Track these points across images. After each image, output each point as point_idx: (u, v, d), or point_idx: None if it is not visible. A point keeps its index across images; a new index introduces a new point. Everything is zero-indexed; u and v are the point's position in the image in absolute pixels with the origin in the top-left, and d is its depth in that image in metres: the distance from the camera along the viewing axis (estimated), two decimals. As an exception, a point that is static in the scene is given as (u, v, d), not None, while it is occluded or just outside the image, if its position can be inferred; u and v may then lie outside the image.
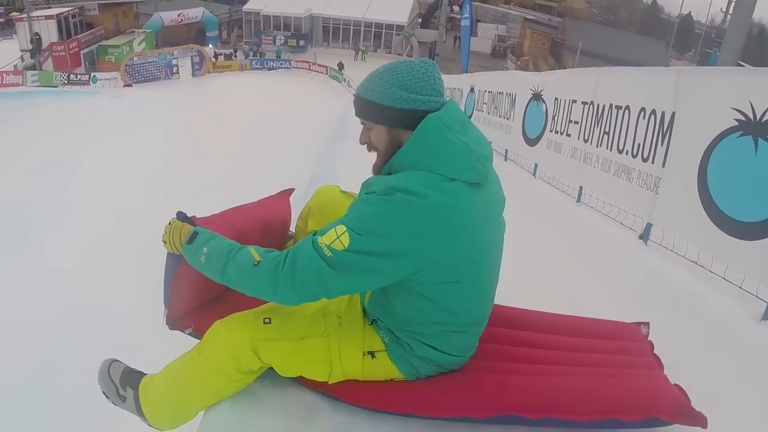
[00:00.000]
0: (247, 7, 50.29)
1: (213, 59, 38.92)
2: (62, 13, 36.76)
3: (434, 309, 1.98)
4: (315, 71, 39.30)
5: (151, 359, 2.57)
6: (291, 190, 3.13)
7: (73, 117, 21.85)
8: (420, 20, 54.47)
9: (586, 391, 2.06)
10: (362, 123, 2.08)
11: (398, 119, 1.97)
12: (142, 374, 2.35)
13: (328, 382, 2.14)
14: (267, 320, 2.11)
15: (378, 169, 2.09)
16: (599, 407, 1.96)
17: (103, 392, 2.36)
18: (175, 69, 35.81)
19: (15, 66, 31.41)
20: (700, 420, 1.93)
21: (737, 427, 2.18)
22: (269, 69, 39.25)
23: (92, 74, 33.03)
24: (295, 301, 1.91)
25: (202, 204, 9.96)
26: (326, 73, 38.58)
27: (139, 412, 2.28)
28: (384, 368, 2.13)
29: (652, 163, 5.12)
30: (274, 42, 46.89)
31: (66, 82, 30.22)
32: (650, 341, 2.54)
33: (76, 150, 17.34)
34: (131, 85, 33.21)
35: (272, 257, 1.91)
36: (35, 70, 31.71)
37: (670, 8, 79.74)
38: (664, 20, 79.49)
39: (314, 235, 1.88)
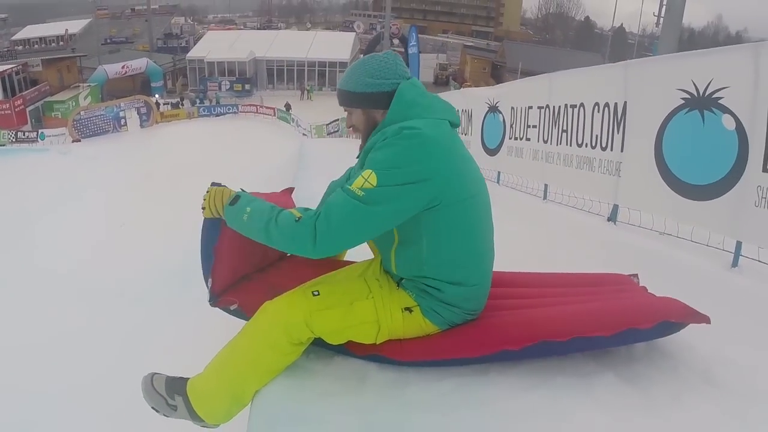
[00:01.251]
0: (190, 55, 50.58)
1: (160, 110, 38.68)
2: (5, 70, 36.49)
3: (455, 233, 2.27)
4: (263, 114, 39.35)
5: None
6: (292, 189, 3.39)
7: (24, 175, 21.52)
8: (362, 56, 55.03)
9: (603, 311, 2.36)
10: (345, 110, 2.51)
11: (368, 101, 2.39)
12: (185, 379, 2.45)
13: (375, 342, 2.34)
14: (315, 293, 2.30)
15: (362, 148, 2.43)
16: (616, 322, 2.20)
17: (153, 407, 2.45)
18: (123, 121, 35.47)
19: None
20: (704, 318, 2.21)
21: (722, 353, 2.42)
22: (217, 115, 39.10)
23: (40, 131, 32.78)
24: (334, 248, 2.16)
25: (167, 251, 10.35)
26: (274, 115, 38.59)
27: (193, 415, 2.38)
28: (419, 323, 2.34)
29: (611, 150, 5.55)
30: (220, 88, 47.06)
31: (14, 140, 29.90)
32: (643, 286, 2.82)
33: (29, 208, 17.08)
34: (80, 140, 32.83)
35: (311, 213, 2.18)
36: (-20, 129, 31.17)
37: (603, 22, 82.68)
38: (597, 34, 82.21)
39: (342, 187, 2.18)
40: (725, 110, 3.99)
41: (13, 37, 59.54)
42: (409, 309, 2.33)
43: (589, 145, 6.00)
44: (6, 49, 53.83)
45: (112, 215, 16.39)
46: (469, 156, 2.39)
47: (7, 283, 11.78)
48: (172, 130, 34.32)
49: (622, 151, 5.38)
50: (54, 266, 12.67)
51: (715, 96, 4.08)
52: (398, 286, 2.39)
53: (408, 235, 2.28)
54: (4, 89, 35.89)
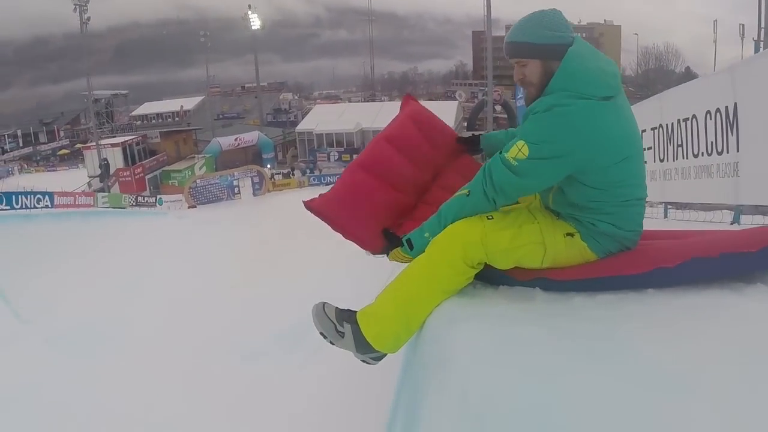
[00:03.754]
0: (299, 127, 51.83)
1: (272, 179, 39.59)
2: (127, 141, 38.90)
3: (603, 189, 2.44)
4: (372, 182, 39.41)
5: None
6: (408, 95, 3.63)
7: (144, 235, 22.17)
8: (465, 124, 55.07)
9: (748, 233, 2.48)
10: (516, 62, 2.55)
11: (549, 52, 2.46)
12: (354, 311, 2.59)
13: (541, 266, 2.52)
14: (490, 217, 2.53)
15: (531, 101, 2.53)
16: (761, 239, 2.26)
17: (321, 333, 2.61)
18: (236, 189, 36.55)
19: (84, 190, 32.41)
20: None
21: None
22: (327, 184, 39.50)
23: (158, 197, 34.23)
24: (503, 203, 2.52)
25: (275, 314, 10.96)
26: (383, 183, 38.61)
27: (359, 343, 2.52)
28: (579, 249, 2.52)
29: (728, 152, 5.76)
30: (329, 158, 47.72)
31: (134, 204, 31.05)
32: None
33: (148, 265, 17.50)
34: (195, 207, 33.93)
35: (475, 183, 2.53)
36: (104, 193, 32.73)
37: (704, 71, 79.67)
38: (699, 83, 79.79)
39: (500, 153, 2.46)
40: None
41: (132, 113, 63.12)
42: (570, 234, 2.52)
43: (705, 153, 6.24)
44: (126, 123, 56.69)
45: (225, 276, 16.59)
46: (624, 122, 2.45)
47: (125, 331, 12.32)
48: (283, 198, 34.95)
49: (738, 150, 5.55)
50: (168, 322, 12.97)
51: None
52: (558, 217, 2.61)
53: (565, 185, 2.49)
54: (125, 158, 38.13)
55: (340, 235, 3.00)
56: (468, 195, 2.52)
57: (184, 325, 12.65)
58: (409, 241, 2.66)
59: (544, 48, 2.46)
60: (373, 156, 3.19)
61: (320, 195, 3.03)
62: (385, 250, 2.83)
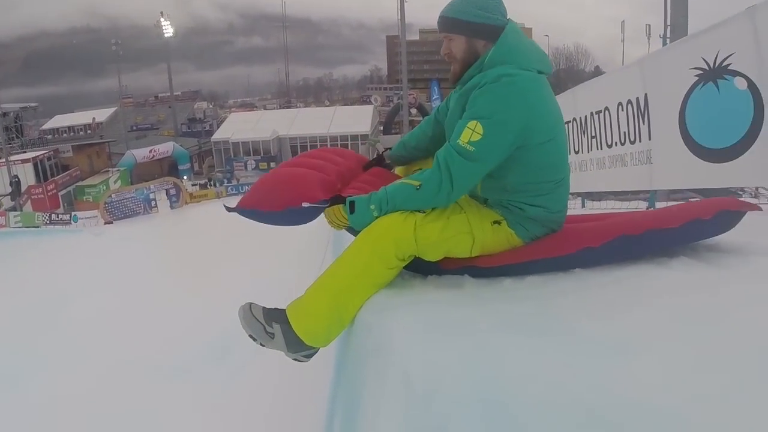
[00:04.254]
0: (215, 137, 51.03)
1: (188, 190, 39.01)
2: (38, 156, 37.71)
3: (538, 169, 2.53)
4: (289, 189, 39.31)
5: None
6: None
7: (60, 255, 21.61)
8: (382, 128, 55.59)
9: (669, 210, 2.73)
10: (444, 37, 2.65)
11: (475, 31, 2.56)
12: (282, 309, 2.57)
13: (470, 254, 2.58)
14: (421, 210, 2.52)
15: (456, 77, 2.68)
16: (682, 215, 2.50)
17: (250, 335, 2.57)
18: (153, 203, 35.59)
19: (-5, 209, 31.57)
20: (756, 207, 2.59)
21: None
22: (245, 193, 39.17)
23: (73, 213, 33.19)
24: (457, 197, 2.52)
25: (201, 327, 10.82)
26: (301, 190, 38.57)
27: (290, 341, 2.50)
28: (506, 236, 2.59)
29: (640, 141, 6.02)
30: (246, 167, 47.40)
31: (48, 222, 30.26)
32: None
33: (65, 286, 17.10)
34: (111, 222, 32.96)
35: (427, 178, 2.47)
36: (16, 211, 31.90)
37: (613, 69, 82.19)
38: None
39: (450, 142, 2.45)
40: (736, 74, 4.39)
41: (43, 127, 61.06)
42: (497, 222, 2.59)
43: (618, 143, 6.49)
44: (37, 138, 55.03)
45: (146, 293, 16.28)
46: (555, 101, 2.61)
47: (47, 363, 11.85)
48: (201, 210, 34.29)
49: (650, 138, 5.80)
50: (91, 344, 12.68)
51: (724, 64, 4.49)
52: (484, 204, 2.66)
53: (500, 167, 2.50)
54: (37, 174, 37.02)
55: (273, 220, 2.84)
56: (418, 188, 2.47)
57: (107, 347, 12.37)
58: (352, 203, 2.58)
59: (471, 26, 2.55)
60: (287, 161, 3.27)
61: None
62: (324, 203, 2.71)
